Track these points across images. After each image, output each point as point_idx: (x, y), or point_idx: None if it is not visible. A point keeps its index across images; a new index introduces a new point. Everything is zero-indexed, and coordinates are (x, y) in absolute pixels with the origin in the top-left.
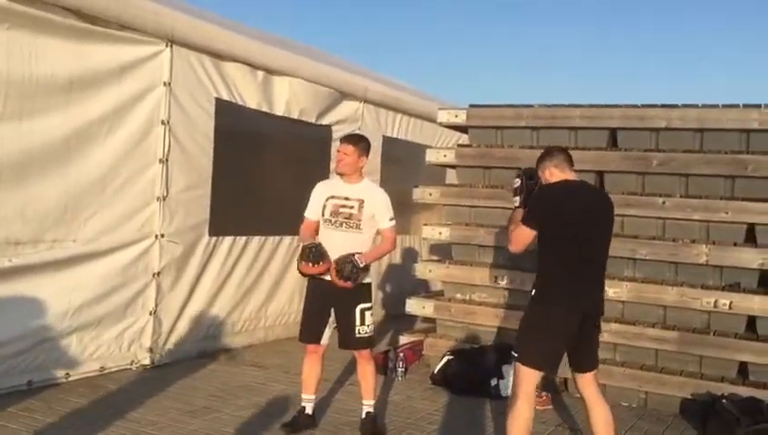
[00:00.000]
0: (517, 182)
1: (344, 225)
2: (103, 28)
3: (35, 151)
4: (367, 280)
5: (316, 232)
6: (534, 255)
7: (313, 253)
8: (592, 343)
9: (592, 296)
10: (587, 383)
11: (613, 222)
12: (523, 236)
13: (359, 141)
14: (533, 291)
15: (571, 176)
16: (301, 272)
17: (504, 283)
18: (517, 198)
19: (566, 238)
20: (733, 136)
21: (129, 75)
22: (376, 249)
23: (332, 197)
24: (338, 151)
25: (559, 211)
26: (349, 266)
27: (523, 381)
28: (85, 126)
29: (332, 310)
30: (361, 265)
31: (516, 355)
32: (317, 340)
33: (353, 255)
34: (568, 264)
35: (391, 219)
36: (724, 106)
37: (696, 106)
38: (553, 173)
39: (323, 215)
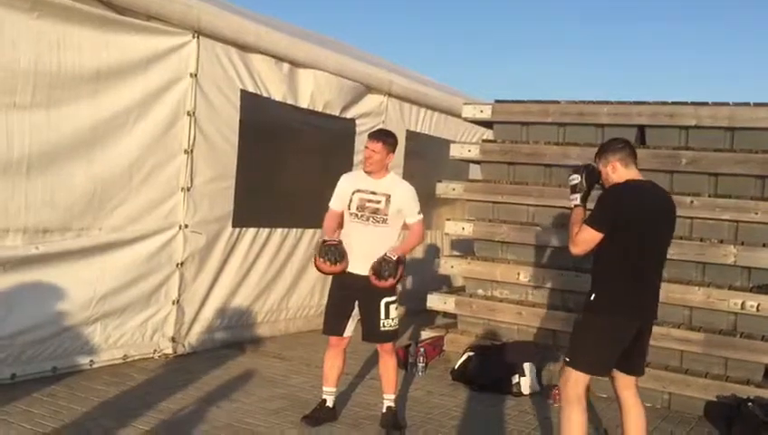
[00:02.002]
0: (576, 179)
1: (371, 219)
2: (131, 18)
3: (63, 141)
4: None
5: (340, 225)
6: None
7: (332, 252)
8: (643, 348)
9: (652, 302)
10: (628, 386)
11: (675, 224)
12: (589, 239)
13: (387, 138)
14: (593, 296)
15: (636, 173)
16: (318, 268)
17: (526, 280)
18: (576, 196)
19: (634, 244)
20: (764, 135)
21: (156, 66)
22: (405, 243)
23: (359, 190)
24: (366, 148)
25: (629, 216)
26: (385, 266)
27: (575, 385)
28: (112, 116)
29: (356, 303)
30: (395, 259)
31: (569, 360)
32: (340, 332)
33: (384, 255)
34: (633, 270)
35: (419, 213)
36: (756, 104)
37: (726, 104)
38: (617, 169)
39: (349, 208)
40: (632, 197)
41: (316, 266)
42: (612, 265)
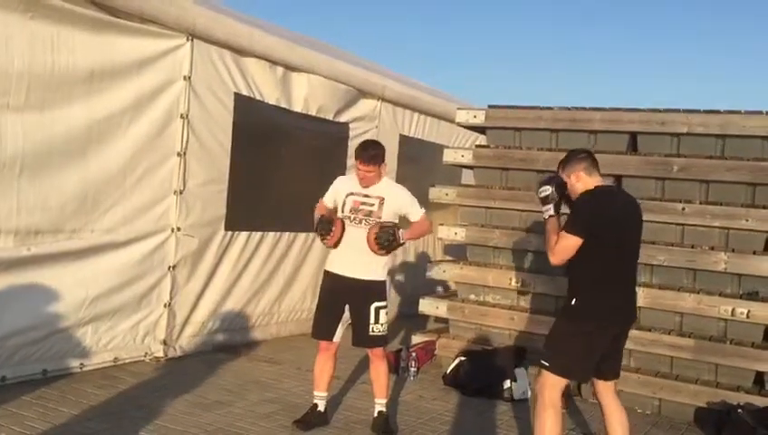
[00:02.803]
0: (547, 190)
1: (363, 222)
2: (125, 20)
3: (57, 142)
4: (381, 278)
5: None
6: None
7: (322, 225)
8: (619, 351)
9: (629, 307)
10: (607, 391)
11: (642, 228)
12: (570, 246)
13: (376, 157)
14: (573, 300)
15: (600, 180)
16: (326, 245)
17: (518, 285)
18: (549, 207)
19: (609, 248)
20: (755, 143)
21: (150, 68)
22: (414, 230)
23: (352, 193)
24: (358, 170)
25: (605, 221)
26: (389, 236)
27: (551, 389)
28: (106, 118)
29: (347, 307)
30: (401, 241)
31: (547, 364)
32: (330, 337)
33: (397, 228)
34: (609, 274)
35: (421, 208)
36: (747, 112)
37: (718, 112)
38: (581, 177)
39: (343, 211)
40: (605, 201)
41: (325, 245)
42: (588, 270)
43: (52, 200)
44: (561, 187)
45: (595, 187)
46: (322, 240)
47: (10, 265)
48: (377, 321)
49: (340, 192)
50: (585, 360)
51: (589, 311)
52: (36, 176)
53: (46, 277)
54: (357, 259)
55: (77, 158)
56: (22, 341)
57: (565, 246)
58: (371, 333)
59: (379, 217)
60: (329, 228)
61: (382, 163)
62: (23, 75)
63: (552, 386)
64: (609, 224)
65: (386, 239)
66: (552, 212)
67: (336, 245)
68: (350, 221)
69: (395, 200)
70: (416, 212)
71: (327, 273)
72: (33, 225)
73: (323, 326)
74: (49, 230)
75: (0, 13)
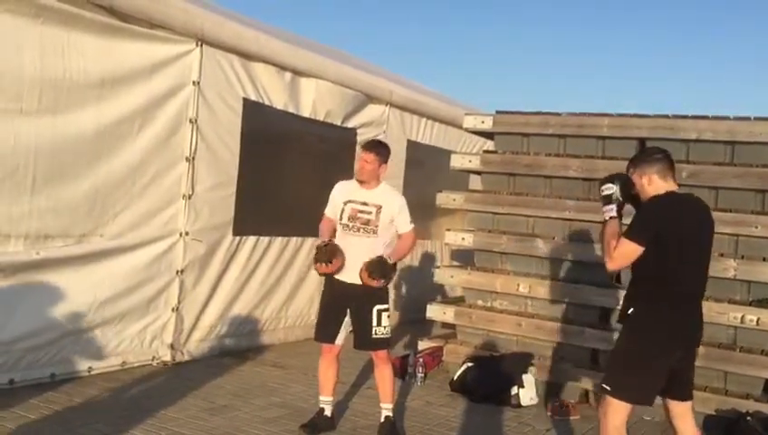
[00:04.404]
0: (611, 189)
1: (361, 230)
2: (135, 26)
3: (68, 147)
4: None
5: (334, 229)
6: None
7: (323, 252)
8: (690, 370)
9: (693, 325)
10: (685, 414)
11: (712, 240)
12: (629, 253)
13: (380, 149)
14: (631, 310)
15: (674, 186)
16: (318, 272)
17: (525, 291)
18: (612, 207)
19: (678, 259)
20: (764, 149)
21: (160, 73)
22: (397, 251)
23: (350, 201)
24: (359, 159)
25: (674, 229)
26: (380, 267)
27: (614, 414)
28: (116, 123)
29: (348, 310)
30: (391, 262)
31: (609, 389)
32: (332, 340)
33: (382, 256)
34: (677, 287)
35: (411, 222)
36: (756, 118)
37: (727, 118)
38: (653, 181)
39: (341, 219)
40: (675, 209)
41: (317, 271)
42: (654, 281)
43: (62, 205)
44: (627, 186)
45: (668, 192)
46: (318, 266)
47: (19, 269)
48: (379, 323)
49: (338, 201)
50: (648, 384)
51: (648, 325)
52: (47, 181)
53: (55, 281)
54: (357, 266)
55: (87, 163)
56: (30, 344)
57: (624, 253)
58: (374, 336)
59: (377, 226)
60: (328, 260)
61: (383, 162)
62: (34, 80)
63: (614, 411)
64: (678, 236)
65: (380, 271)
66: (613, 213)
67: (321, 274)
68: (349, 229)
69: (391, 207)
70: (404, 224)
71: (328, 278)
72: (42, 229)
73: (325, 329)
74: (58, 235)
75: (11, 18)
